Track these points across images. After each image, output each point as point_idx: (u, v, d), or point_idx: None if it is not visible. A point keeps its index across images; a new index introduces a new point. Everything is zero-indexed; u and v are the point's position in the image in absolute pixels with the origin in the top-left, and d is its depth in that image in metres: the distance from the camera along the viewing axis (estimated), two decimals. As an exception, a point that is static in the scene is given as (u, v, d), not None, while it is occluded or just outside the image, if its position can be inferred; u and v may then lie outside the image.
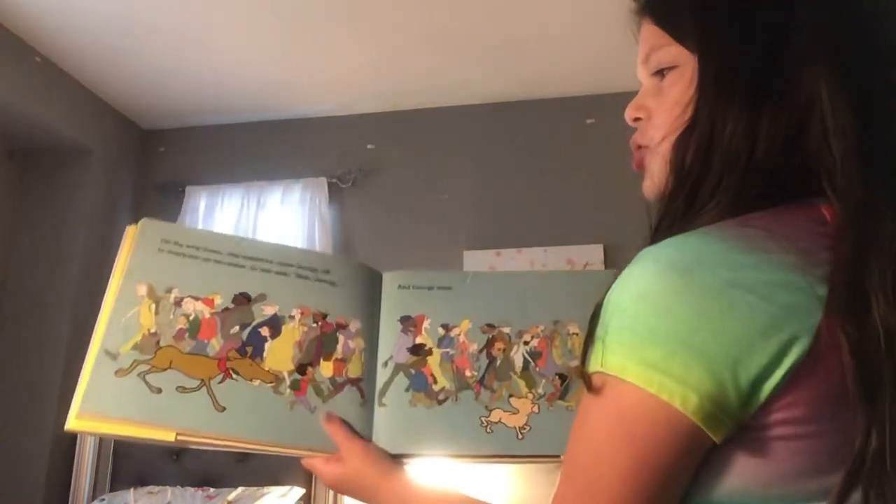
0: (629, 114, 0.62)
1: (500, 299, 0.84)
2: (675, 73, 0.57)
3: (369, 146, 2.83)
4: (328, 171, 2.78)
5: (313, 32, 2.36)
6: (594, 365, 0.49)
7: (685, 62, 0.56)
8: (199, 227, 2.77)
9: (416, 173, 2.77)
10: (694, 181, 0.53)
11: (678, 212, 0.53)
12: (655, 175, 0.59)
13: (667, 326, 0.46)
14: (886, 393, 0.45)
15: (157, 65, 2.55)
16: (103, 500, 2.35)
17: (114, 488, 2.43)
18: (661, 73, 0.59)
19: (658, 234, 0.53)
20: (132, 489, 2.36)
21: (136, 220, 0.82)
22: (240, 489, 2.27)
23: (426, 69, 2.58)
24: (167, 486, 2.34)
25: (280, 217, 2.75)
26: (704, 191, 0.52)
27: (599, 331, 0.50)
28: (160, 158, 2.99)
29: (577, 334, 0.80)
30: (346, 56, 2.49)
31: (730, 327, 0.45)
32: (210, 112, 2.88)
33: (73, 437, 2.48)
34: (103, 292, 0.78)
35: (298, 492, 2.27)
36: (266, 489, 2.25)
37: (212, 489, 2.32)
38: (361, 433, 0.76)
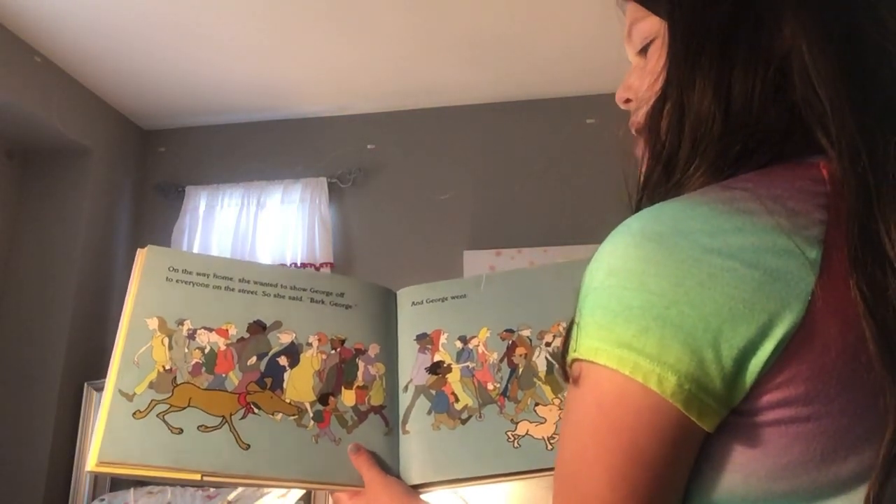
0: (618, 95, 0.60)
1: (517, 300, 0.80)
2: (654, 45, 0.55)
3: (369, 146, 2.83)
4: (328, 171, 2.78)
5: (313, 32, 2.35)
6: (571, 352, 0.45)
7: (660, 32, 0.54)
8: (199, 226, 2.77)
9: (416, 173, 2.77)
10: (669, 151, 0.50)
11: (657, 185, 0.50)
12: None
13: (640, 301, 0.41)
14: None
15: (157, 65, 2.55)
16: (103, 500, 2.35)
17: (114, 488, 2.43)
18: (644, 49, 0.57)
19: (639, 210, 0.49)
20: (132, 489, 2.36)
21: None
22: (240, 489, 2.27)
23: (426, 69, 2.58)
24: (167, 486, 2.34)
25: (280, 217, 2.75)
26: (680, 159, 0.49)
27: (576, 315, 0.45)
28: (160, 158, 2.99)
29: None
30: (346, 56, 2.49)
31: (709, 298, 0.40)
32: (210, 112, 2.88)
33: (72, 437, 2.48)
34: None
35: (298, 492, 2.27)
36: (265, 489, 2.25)
37: (212, 489, 2.32)
38: (388, 463, 0.73)
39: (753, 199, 0.43)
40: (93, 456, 0.67)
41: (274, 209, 2.76)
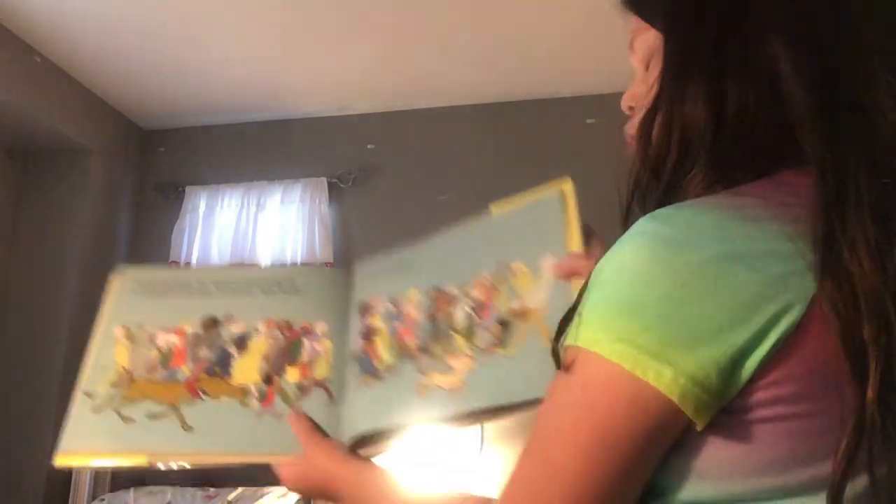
0: (623, 103, 0.63)
1: (451, 259, 0.84)
2: (655, 57, 0.57)
3: (369, 146, 2.83)
4: (328, 171, 2.78)
5: (313, 33, 2.36)
6: (569, 340, 0.47)
7: (659, 45, 0.57)
8: (199, 227, 2.77)
9: (416, 173, 2.77)
10: (656, 158, 0.52)
11: (647, 190, 0.53)
12: None
13: (646, 299, 0.43)
14: (873, 362, 0.41)
15: (157, 65, 2.55)
16: (103, 500, 2.35)
17: (114, 488, 2.43)
18: (646, 60, 0.59)
19: (630, 212, 0.52)
20: (132, 489, 2.36)
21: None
22: (240, 489, 2.27)
23: (426, 69, 2.58)
24: (167, 486, 2.34)
25: (280, 217, 2.75)
26: (668, 165, 0.51)
27: (580, 305, 0.47)
28: (160, 158, 2.99)
29: (522, 272, 0.73)
30: (346, 56, 2.49)
31: (713, 300, 0.42)
32: (210, 112, 2.88)
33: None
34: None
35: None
36: (266, 489, 2.25)
37: (212, 489, 2.32)
38: (331, 432, 0.75)
39: (762, 205, 0.45)
40: (56, 451, 0.75)
41: (274, 209, 2.76)
